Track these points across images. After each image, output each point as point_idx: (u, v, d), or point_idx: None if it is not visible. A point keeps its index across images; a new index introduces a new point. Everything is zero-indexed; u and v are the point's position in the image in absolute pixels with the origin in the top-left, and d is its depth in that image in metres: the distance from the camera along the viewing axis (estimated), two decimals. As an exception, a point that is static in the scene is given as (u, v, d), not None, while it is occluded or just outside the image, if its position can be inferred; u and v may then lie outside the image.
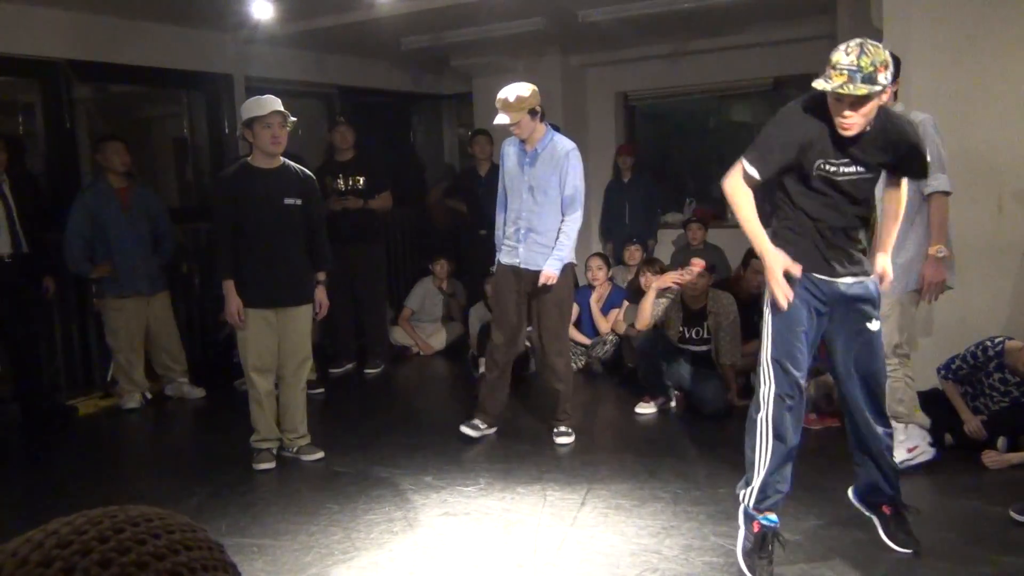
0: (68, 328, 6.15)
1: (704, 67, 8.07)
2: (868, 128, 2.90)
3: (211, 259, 5.71)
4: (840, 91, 2.73)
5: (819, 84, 2.79)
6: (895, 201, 3.26)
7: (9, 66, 6.01)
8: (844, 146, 2.94)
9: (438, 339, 7.36)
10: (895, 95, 4.06)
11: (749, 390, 5.31)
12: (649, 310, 5.57)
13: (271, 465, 4.53)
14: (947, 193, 3.93)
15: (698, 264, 5.45)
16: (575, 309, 6.65)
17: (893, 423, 4.07)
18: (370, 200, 6.57)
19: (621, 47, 8.03)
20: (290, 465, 4.62)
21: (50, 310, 5.92)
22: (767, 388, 3.08)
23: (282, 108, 4.38)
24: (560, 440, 4.78)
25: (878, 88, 2.73)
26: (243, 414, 4.74)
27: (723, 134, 9.31)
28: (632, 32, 7.23)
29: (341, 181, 6.56)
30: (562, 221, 4.65)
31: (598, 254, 6.90)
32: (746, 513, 3.17)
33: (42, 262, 5.56)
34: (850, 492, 3.48)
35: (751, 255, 5.94)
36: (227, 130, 7.29)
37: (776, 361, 3.05)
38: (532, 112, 4.53)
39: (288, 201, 4.47)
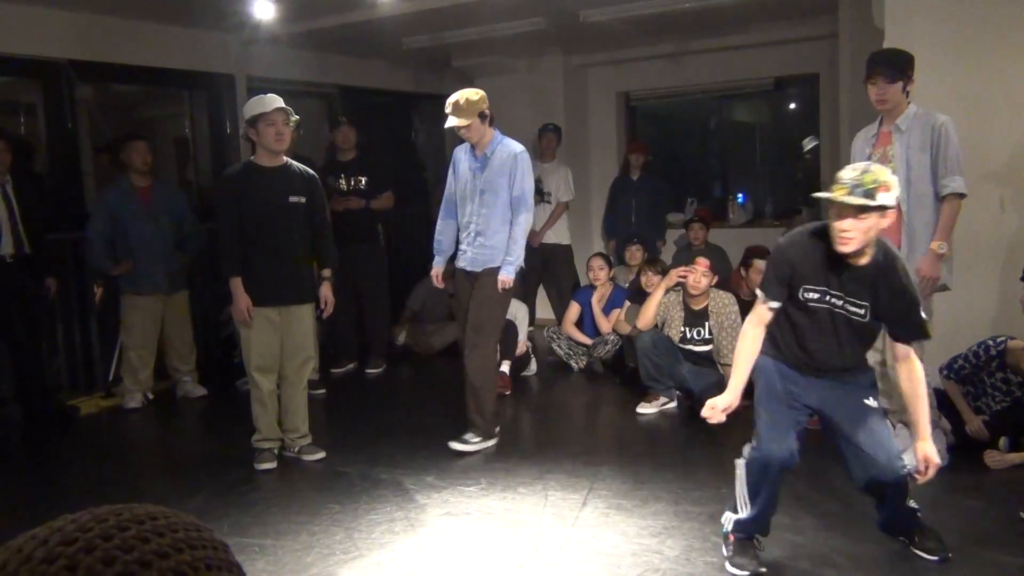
0: (70, 329, 6.15)
1: (705, 67, 8.07)
2: (867, 261, 2.92)
3: (212, 258, 5.71)
4: (837, 200, 2.80)
5: (819, 195, 2.94)
6: (910, 379, 3.02)
7: (11, 66, 6.01)
8: (833, 275, 2.96)
9: (439, 339, 7.36)
10: (907, 94, 4.07)
11: (750, 390, 5.32)
12: (654, 309, 5.57)
13: (272, 465, 4.54)
14: (962, 195, 3.95)
15: (703, 263, 5.45)
16: (577, 308, 6.67)
17: None
18: (372, 200, 6.58)
19: (622, 47, 8.03)
20: (292, 465, 4.62)
21: (52, 311, 5.92)
22: (753, 442, 3.17)
23: (285, 105, 4.42)
24: (456, 446, 4.67)
25: (874, 204, 2.76)
26: (244, 414, 4.75)
27: (724, 134, 9.32)
28: (633, 32, 7.23)
29: (343, 181, 6.56)
30: (512, 224, 4.65)
31: (600, 254, 6.89)
32: (724, 532, 3.32)
33: (44, 263, 5.56)
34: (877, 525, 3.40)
35: (752, 255, 5.94)
36: (228, 130, 7.30)
37: (762, 420, 3.14)
38: (482, 116, 4.58)
39: (292, 199, 4.51)
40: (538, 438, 4.87)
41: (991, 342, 4.35)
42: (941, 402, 4.36)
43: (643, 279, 6.13)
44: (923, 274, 3.96)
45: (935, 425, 4.15)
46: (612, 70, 8.64)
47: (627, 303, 6.41)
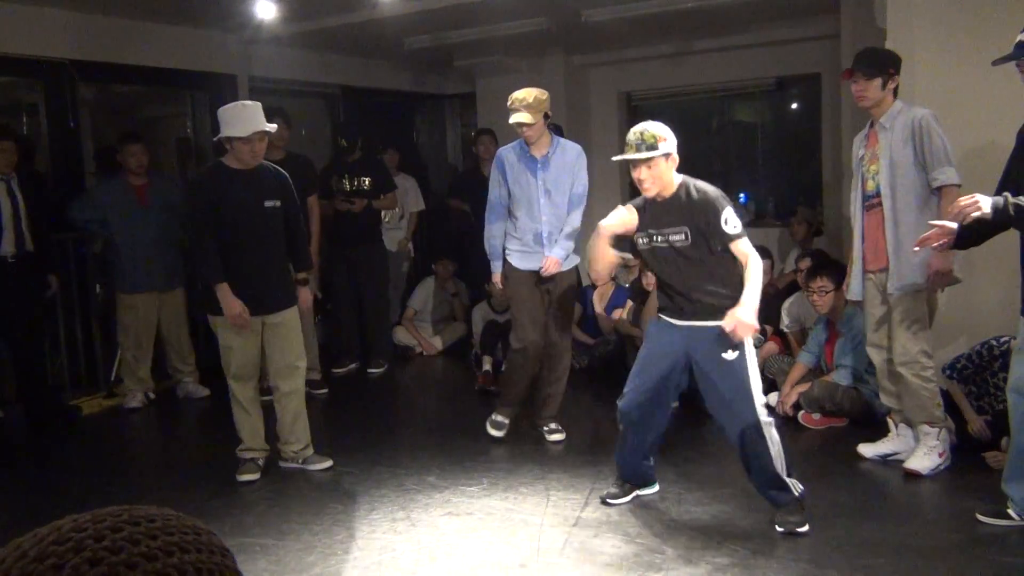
0: (72, 328, 6.15)
1: (707, 67, 8.05)
2: (670, 195, 3.55)
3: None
4: (630, 158, 3.49)
5: (617, 157, 3.61)
6: (746, 269, 3.51)
7: (13, 66, 6.02)
8: (651, 216, 3.60)
9: (441, 339, 7.36)
10: (895, 92, 4.05)
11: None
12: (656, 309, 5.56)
13: (255, 477, 4.39)
14: (957, 186, 3.91)
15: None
16: (578, 308, 6.66)
17: (928, 428, 4.06)
18: (375, 200, 6.57)
19: (624, 47, 8.02)
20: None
21: (54, 310, 5.92)
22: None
23: (265, 126, 4.18)
24: (553, 437, 4.80)
25: (659, 152, 3.46)
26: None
27: (726, 134, 9.30)
28: (635, 32, 7.22)
29: (347, 181, 6.56)
30: (568, 218, 4.75)
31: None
32: None
33: (46, 262, 5.56)
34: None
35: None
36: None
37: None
38: (545, 116, 4.61)
39: (268, 204, 4.31)
40: (539, 438, 4.87)
41: (994, 342, 4.34)
42: (944, 402, 4.35)
43: (644, 279, 6.12)
44: (935, 268, 3.89)
45: (940, 425, 4.14)
46: (614, 70, 8.62)
47: (628, 302, 6.40)
